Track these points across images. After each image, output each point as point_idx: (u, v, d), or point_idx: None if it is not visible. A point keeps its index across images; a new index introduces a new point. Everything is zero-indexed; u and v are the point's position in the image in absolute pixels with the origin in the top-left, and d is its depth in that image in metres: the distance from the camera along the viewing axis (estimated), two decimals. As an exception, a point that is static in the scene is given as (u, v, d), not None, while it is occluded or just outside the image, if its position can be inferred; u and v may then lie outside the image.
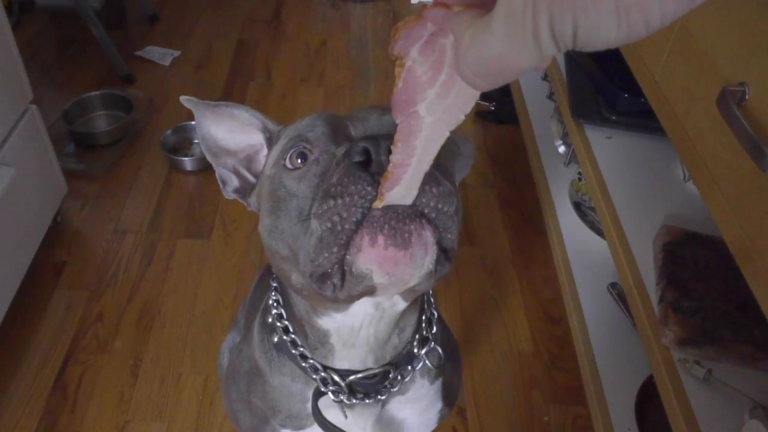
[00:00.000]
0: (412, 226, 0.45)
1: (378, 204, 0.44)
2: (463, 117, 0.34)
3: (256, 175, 0.68)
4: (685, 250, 1.07)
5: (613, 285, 1.39)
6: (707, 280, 1.03)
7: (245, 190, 0.68)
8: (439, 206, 0.46)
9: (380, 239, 0.45)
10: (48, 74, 2.35)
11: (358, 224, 0.45)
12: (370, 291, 0.48)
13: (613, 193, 1.23)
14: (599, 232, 1.48)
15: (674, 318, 0.97)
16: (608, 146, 1.36)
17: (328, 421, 0.69)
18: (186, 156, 1.97)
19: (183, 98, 0.67)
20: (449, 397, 0.81)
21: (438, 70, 0.32)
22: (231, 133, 0.68)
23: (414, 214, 0.45)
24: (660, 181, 1.29)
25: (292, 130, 0.61)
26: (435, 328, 0.71)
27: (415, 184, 0.42)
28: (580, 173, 1.61)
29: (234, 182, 0.68)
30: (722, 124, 0.73)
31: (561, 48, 0.25)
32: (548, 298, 1.63)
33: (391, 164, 0.39)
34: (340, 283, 0.48)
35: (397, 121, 0.35)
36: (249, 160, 0.69)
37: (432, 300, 0.73)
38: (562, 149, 1.75)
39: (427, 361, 0.70)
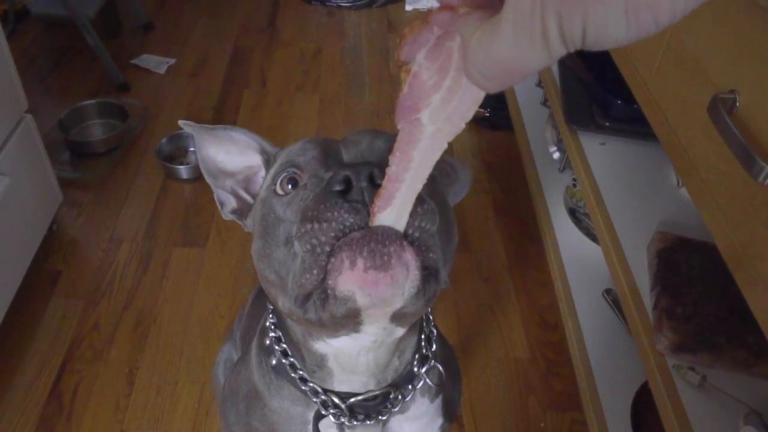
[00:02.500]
0: (392, 248, 0.44)
1: (371, 222, 0.44)
2: (463, 125, 0.35)
3: (254, 196, 0.68)
4: (679, 256, 1.07)
5: (608, 291, 1.40)
6: (701, 286, 1.04)
7: (243, 211, 0.68)
8: (423, 224, 0.45)
9: (359, 262, 0.44)
10: (43, 83, 2.35)
11: (337, 247, 0.45)
12: (355, 314, 0.48)
13: (607, 199, 1.23)
14: (594, 239, 1.49)
15: (668, 324, 0.98)
16: (602, 152, 1.37)
17: None
18: (181, 164, 1.97)
19: (181, 122, 0.68)
20: (449, 412, 0.81)
21: (444, 75, 0.32)
22: (230, 155, 0.68)
23: (394, 235, 0.44)
24: (654, 187, 1.29)
25: (285, 154, 0.61)
26: (435, 346, 0.71)
27: (407, 206, 0.42)
28: (574, 179, 1.62)
29: (232, 203, 0.69)
30: (713, 132, 0.74)
31: (570, 48, 0.25)
32: (544, 305, 1.63)
33: (385, 179, 0.40)
34: (321, 305, 0.48)
35: (399, 127, 0.35)
36: (247, 182, 0.69)
37: (431, 317, 0.73)
38: (556, 155, 1.76)
39: (427, 380, 0.69)
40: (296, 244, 0.48)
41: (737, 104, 0.72)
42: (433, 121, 0.34)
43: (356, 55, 2.62)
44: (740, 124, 0.70)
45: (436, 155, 0.37)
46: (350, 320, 0.49)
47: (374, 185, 0.45)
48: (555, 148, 1.77)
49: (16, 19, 2.57)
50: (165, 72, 2.44)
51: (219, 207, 0.69)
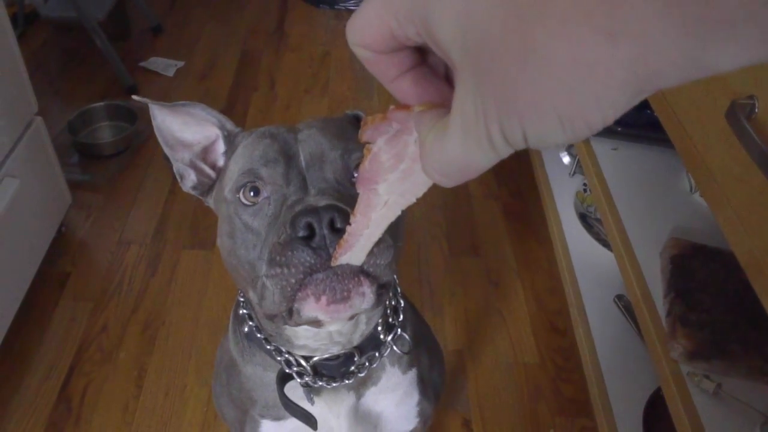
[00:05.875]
0: (351, 285, 0.52)
1: (333, 263, 0.50)
2: (415, 200, 0.38)
3: (213, 166, 0.70)
4: (692, 263, 1.06)
5: (619, 297, 1.39)
6: (715, 293, 1.03)
7: (204, 186, 0.71)
8: (378, 261, 0.52)
9: (323, 299, 0.52)
10: (52, 85, 2.36)
11: (303, 285, 0.52)
12: (317, 322, 0.57)
13: (619, 204, 1.22)
14: (605, 244, 1.48)
15: (682, 331, 0.97)
16: (614, 158, 1.36)
17: (294, 403, 0.70)
18: (190, 167, 1.96)
19: (135, 97, 0.69)
20: (427, 390, 0.82)
21: (400, 160, 0.35)
22: (187, 125, 0.69)
23: (353, 272, 0.52)
24: (666, 192, 1.28)
25: (246, 156, 0.63)
26: (401, 316, 0.74)
27: (365, 250, 0.48)
28: (585, 184, 1.61)
29: (192, 177, 0.70)
30: (731, 137, 0.73)
31: (516, 148, 0.27)
32: (553, 310, 1.62)
33: (346, 233, 0.45)
34: (288, 317, 0.55)
35: (359, 192, 0.39)
36: (206, 153, 0.71)
37: (398, 289, 0.76)
38: (566, 160, 1.75)
39: (394, 347, 0.72)
40: (267, 281, 0.54)
41: (756, 109, 0.71)
42: (388, 193, 0.38)
43: (365, 59, 2.62)
44: (759, 130, 0.69)
45: (392, 219, 0.41)
46: (313, 324, 0.59)
47: (335, 230, 0.51)
48: (565, 152, 1.76)
49: (25, 22, 2.57)
50: (174, 75, 2.44)
51: (179, 180, 0.71)
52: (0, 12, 1.40)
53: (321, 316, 0.54)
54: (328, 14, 2.92)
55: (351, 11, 2.90)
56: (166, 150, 0.70)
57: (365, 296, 0.53)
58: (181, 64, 2.50)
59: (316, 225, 0.51)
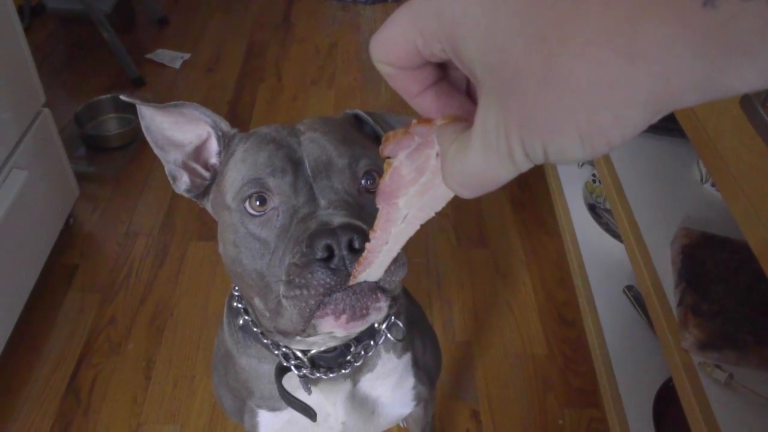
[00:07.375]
0: (369, 302, 0.53)
1: (351, 282, 0.51)
2: (434, 214, 0.39)
3: (206, 166, 0.68)
4: (703, 253, 1.06)
5: (629, 287, 1.38)
6: (727, 283, 1.02)
7: (198, 188, 0.68)
8: (394, 278, 0.53)
9: (342, 318, 0.53)
10: (59, 78, 2.36)
11: (322, 304, 0.53)
12: (330, 334, 0.59)
13: (629, 194, 1.22)
14: (614, 234, 1.47)
15: (694, 321, 0.96)
16: (624, 147, 1.35)
17: (292, 396, 0.70)
18: (197, 158, 1.96)
19: (123, 97, 0.68)
20: (421, 374, 0.82)
21: (420, 173, 0.36)
22: (178, 124, 0.67)
23: (371, 289, 0.53)
24: (677, 182, 1.28)
25: (249, 163, 0.61)
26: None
27: (384, 266, 0.48)
28: (594, 175, 1.60)
29: (185, 179, 0.68)
30: (746, 125, 0.72)
31: (536, 163, 0.27)
32: (562, 300, 1.62)
33: (366, 251, 0.44)
34: (302, 332, 0.56)
35: (379, 207, 0.39)
36: (198, 152, 0.68)
37: None
38: (575, 151, 1.74)
39: (389, 335, 0.72)
40: (285, 302, 0.54)
41: (771, 97, 0.70)
42: (408, 207, 0.38)
43: (371, 50, 2.60)
44: (774, 117, 0.68)
45: (411, 234, 0.41)
46: (325, 336, 0.61)
47: (353, 251, 0.51)
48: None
49: (32, 15, 2.57)
50: (180, 67, 2.44)
51: (171, 182, 0.68)
52: (7, 4, 1.39)
53: (338, 332, 0.55)
54: (335, 6, 2.90)
55: (357, 3, 2.89)
56: (157, 151, 0.67)
57: (381, 310, 0.54)
58: (187, 56, 2.49)
59: (335, 246, 0.51)
